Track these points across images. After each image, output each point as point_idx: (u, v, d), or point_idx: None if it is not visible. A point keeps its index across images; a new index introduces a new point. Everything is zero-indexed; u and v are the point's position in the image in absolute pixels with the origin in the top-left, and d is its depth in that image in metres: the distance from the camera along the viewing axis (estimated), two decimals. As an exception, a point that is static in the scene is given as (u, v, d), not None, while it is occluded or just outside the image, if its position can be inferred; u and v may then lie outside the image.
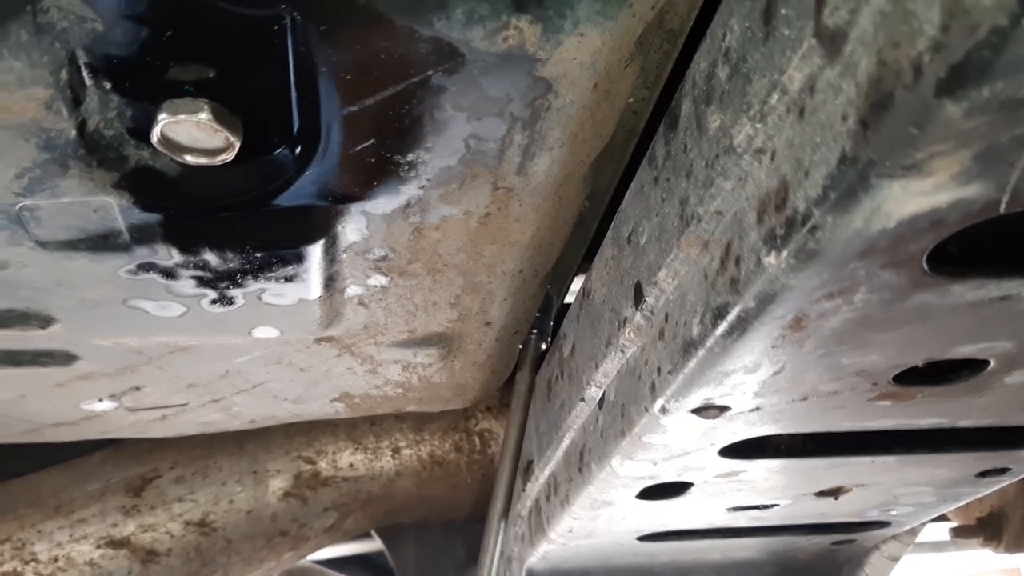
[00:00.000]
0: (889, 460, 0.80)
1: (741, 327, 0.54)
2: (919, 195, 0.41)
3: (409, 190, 0.66)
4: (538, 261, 0.81)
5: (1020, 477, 0.89)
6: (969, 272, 0.49)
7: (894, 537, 1.16)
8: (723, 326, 0.55)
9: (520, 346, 1.09)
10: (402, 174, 0.64)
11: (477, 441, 1.36)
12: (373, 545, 1.91)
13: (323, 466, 1.34)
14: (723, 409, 0.65)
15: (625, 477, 0.80)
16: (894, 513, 1.00)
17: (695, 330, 0.59)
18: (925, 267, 0.47)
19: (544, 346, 1.10)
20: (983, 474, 0.86)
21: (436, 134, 0.61)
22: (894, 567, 1.19)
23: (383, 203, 0.67)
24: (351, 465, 1.34)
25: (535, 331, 1.09)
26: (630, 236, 0.70)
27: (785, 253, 0.47)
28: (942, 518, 1.67)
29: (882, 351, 0.57)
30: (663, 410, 0.67)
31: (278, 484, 1.32)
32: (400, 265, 0.76)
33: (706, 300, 0.57)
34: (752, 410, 0.66)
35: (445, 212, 0.69)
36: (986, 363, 0.61)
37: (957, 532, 1.46)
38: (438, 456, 1.36)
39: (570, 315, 0.89)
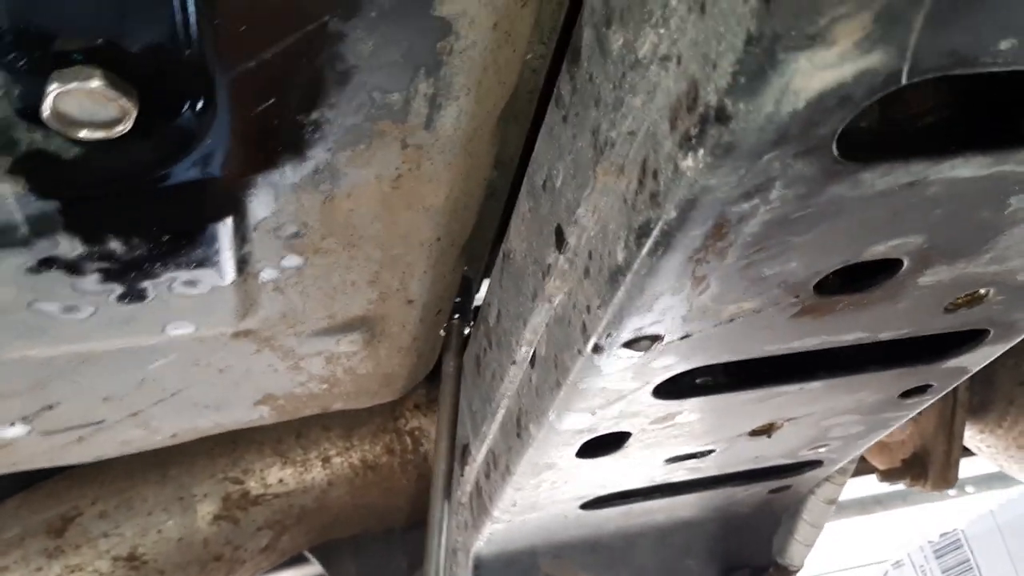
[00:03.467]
0: (815, 387, 0.82)
1: (665, 241, 0.54)
2: (825, 68, 0.42)
3: (316, 154, 0.65)
4: (455, 229, 0.81)
5: (940, 395, 0.92)
6: (878, 157, 0.51)
7: (827, 479, 1.19)
8: (648, 244, 0.55)
9: (444, 332, 1.08)
10: (307, 136, 0.63)
11: (408, 441, 1.33)
12: (313, 570, 1.86)
13: (252, 485, 1.30)
14: (655, 339, 0.66)
15: (564, 432, 0.80)
16: (824, 450, 1.02)
17: (620, 256, 0.59)
18: (836, 153, 0.49)
19: (467, 330, 1.10)
20: (906, 394, 0.89)
21: (339, 88, 0.60)
22: (831, 510, 1.22)
23: (290, 171, 0.66)
24: (281, 480, 1.31)
25: (457, 315, 1.09)
26: (545, 183, 0.70)
27: (701, 152, 0.48)
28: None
29: (801, 256, 0.58)
30: (596, 348, 0.67)
31: (207, 508, 1.27)
32: (314, 242, 0.74)
33: (628, 223, 0.57)
34: (682, 338, 0.66)
35: (355, 176, 0.68)
36: (900, 263, 0.62)
37: (885, 476, 1.50)
38: (370, 461, 1.33)
39: (492, 283, 0.89)
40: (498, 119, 0.70)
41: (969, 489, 2.77)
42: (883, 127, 0.66)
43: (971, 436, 1.56)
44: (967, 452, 1.74)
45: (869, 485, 2.58)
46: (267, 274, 0.76)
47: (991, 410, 1.50)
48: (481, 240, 0.97)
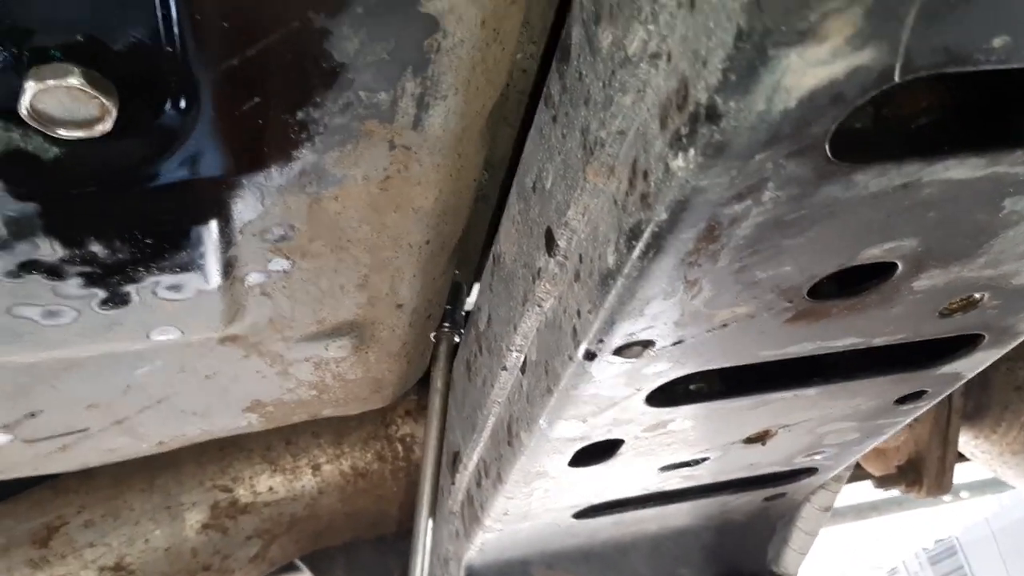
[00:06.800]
0: (810, 393, 0.81)
1: (656, 244, 0.53)
2: (817, 65, 0.41)
3: (302, 155, 0.64)
4: (444, 231, 0.80)
5: (935, 401, 0.91)
6: (871, 158, 0.50)
7: (823, 486, 1.18)
8: (639, 247, 0.54)
9: (434, 338, 1.07)
10: (293, 136, 0.62)
11: (399, 447, 1.32)
12: (303, 578, 1.84)
13: (241, 493, 1.28)
14: (647, 344, 0.64)
15: (556, 440, 0.79)
16: (820, 457, 1.01)
17: (611, 259, 0.58)
18: (828, 153, 0.48)
19: (457, 338, 1.08)
20: (901, 400, 0.88)
21: (325, 87, 0.59)
22: (826, 517, 1.21)
23: (276, 173, 0.64)
24: (270, 488, 1.29)
25: (447, 323, 1.07)
26: (535, 184, 0.69)
27: (692, 152, 0.47)
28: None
29: (794, 260, 0.57)
30: (588, 355, 0.66)
31: (195, 517, 1.26)
32: (302, 245, 0.73)
33: (619, 226, 0.56)
34: (675, 343, 0.65)
35: (342, 178, 0.67)
36: (894, 267, 0.61)
37: (880, 482, 1.49)
38: (360, 468, 1.32)
39: (482, 287, 0.87)
40: (487, 119, 0.69)
41: (964, 495, 2.76)
42: (877, 128, 0.65)
43: (966, 442, 1.55)
44: (962, 458, 1.73)
45: (865, 491, 2.58)
46: (254, 278, 0.75)
47: (986, 416, 1.49)
48: (471, 244, 0.96)
